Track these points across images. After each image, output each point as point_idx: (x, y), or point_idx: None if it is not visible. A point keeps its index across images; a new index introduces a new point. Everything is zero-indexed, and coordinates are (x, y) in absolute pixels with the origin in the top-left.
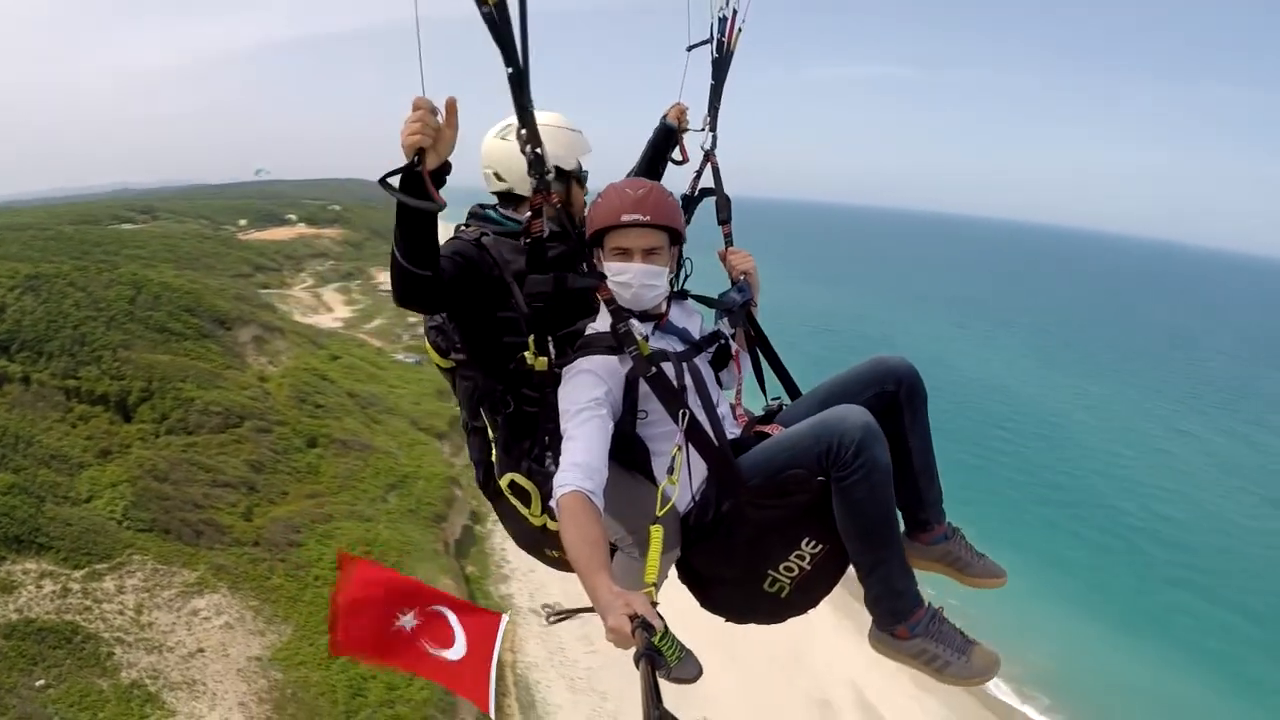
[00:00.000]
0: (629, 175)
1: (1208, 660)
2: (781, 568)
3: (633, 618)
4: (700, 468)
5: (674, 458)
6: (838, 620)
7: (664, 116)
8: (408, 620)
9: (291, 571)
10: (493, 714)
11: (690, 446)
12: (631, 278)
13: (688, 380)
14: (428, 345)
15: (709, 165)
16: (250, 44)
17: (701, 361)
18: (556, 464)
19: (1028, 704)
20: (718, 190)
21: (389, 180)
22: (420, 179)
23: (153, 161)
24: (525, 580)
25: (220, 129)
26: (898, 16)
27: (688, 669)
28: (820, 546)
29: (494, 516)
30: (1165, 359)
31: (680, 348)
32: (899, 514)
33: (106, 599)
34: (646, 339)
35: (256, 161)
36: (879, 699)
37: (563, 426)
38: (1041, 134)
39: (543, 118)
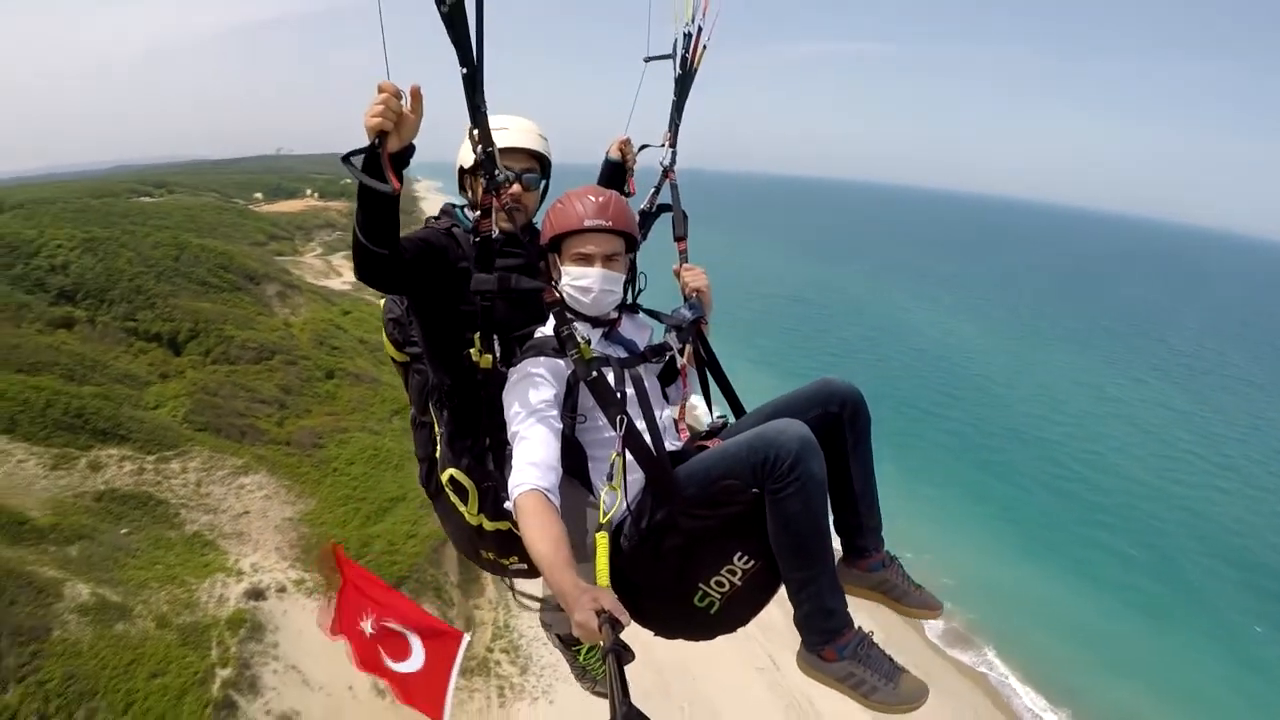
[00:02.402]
0: None
1: (1114, 603)
2: (712, 581)
3: (599, 613)
4: (637, 476)
5: (613, 464)
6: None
7: (607, 152)
8: (366, 625)
9: (316, 464)
10: None
11: (628, 454)
12: (592, 283)
13: (629, 388)
14: (384, 337)
15: (667, 181)
16: (238, 22)
17: (646, 372)
18: (496, 465)
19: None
20: (675, 206)
21: (352, 159)
22: (379, 160)
23: (148, 140)
24: None
25: (211, 108)
26: None
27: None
28: (752, 562)
29: None
30: (1127, 333)
31: (627, 354)
32: (837, 539)
33: (174, 476)
34: (589, 343)
35: (253, 138)
36: None
37: (512, 429)
38: (1029, 110)
39: (521, 123)
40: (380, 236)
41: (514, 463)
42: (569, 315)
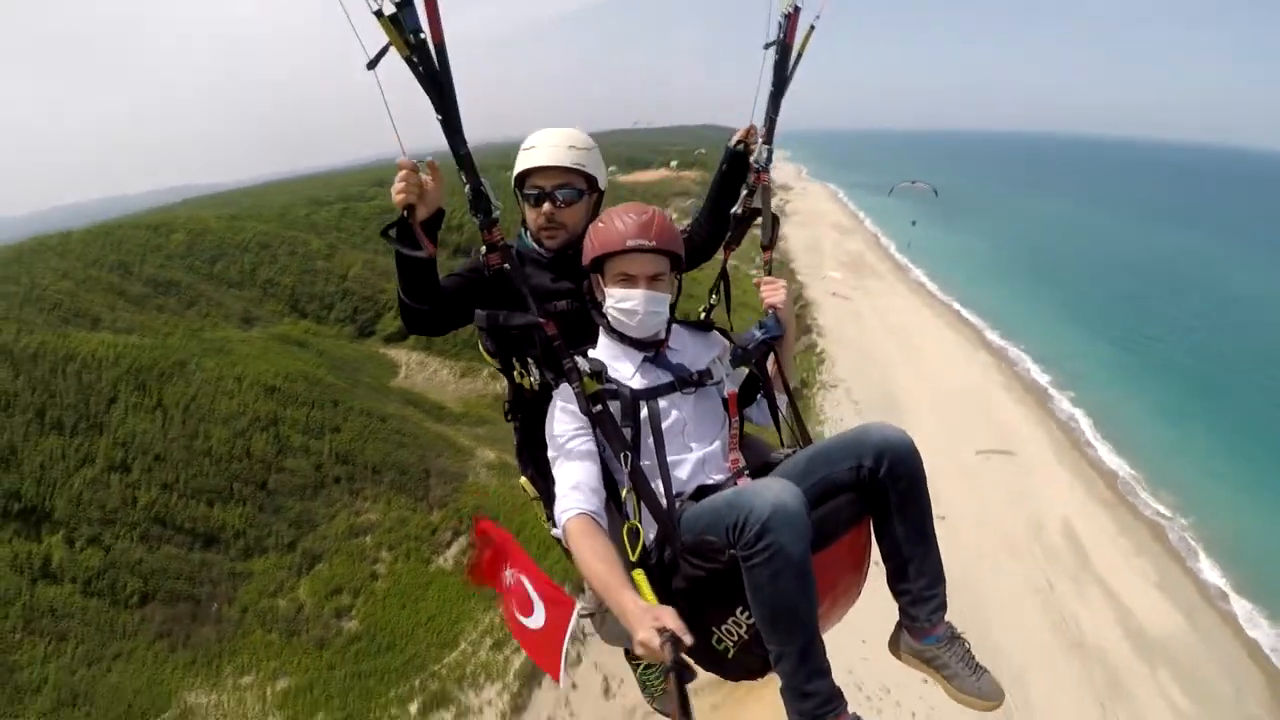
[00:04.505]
0: (701, 210)
1: None
2: (724, 629)
3: (661, 631)
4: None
5: (625, 499)
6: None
7: (729, 142)
8: (508, 576)
9: None
10: (563, 685)
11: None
12: (637, 304)
13: (644, 420)
14: (481, 349)
15: (760, 184)
16: (577, 7)
17: (685, 400)
18: (543, 478)
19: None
20: (764, 210)
21: (389, 232)
22: (411, 230)
23: (504, 121)
24: None
25: (566, 86)
26: None
27: (666, 703)
28: (754, 619)
29: None
30: None
31: (666, 381)
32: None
33: None
34: (591, 376)
35: (615, 112)
36: (1083, 531)
37: (552, 454)
38: None
39: (550, 138)
40: (420, 294)
41: (557, 490)
42: (569, 348)
